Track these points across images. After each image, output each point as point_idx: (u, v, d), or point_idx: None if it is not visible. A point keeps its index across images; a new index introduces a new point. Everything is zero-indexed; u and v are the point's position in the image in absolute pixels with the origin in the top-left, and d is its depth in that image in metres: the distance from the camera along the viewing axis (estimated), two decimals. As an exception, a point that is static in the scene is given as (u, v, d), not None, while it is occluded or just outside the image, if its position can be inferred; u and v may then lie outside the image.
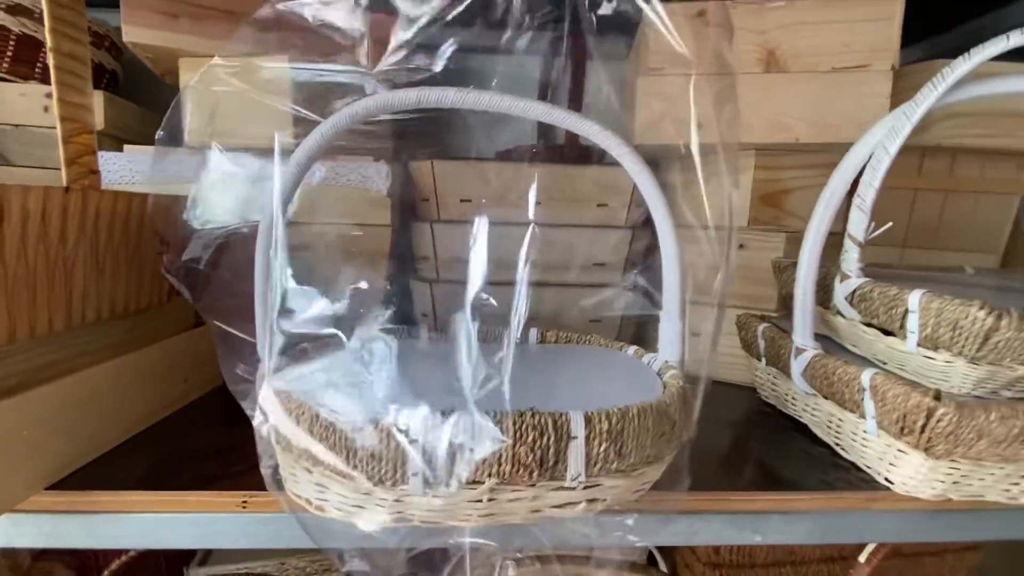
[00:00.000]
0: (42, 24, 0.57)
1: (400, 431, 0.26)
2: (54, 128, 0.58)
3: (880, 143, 0.39)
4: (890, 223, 0.40)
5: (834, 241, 0.42)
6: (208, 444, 0.42)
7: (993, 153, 0.60)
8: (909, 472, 0.36)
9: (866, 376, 0.37)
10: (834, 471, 0.41)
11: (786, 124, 0.51)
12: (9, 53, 0.56)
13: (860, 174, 0.41)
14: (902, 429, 0.35)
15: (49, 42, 0.31)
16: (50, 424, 0.34)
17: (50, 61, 0.32)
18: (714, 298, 0.38)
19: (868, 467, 0.40)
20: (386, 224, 0.57)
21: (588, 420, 0.27)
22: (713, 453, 0.43)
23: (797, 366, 0.45)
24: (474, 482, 0.27)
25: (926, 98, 0.38)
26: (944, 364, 0.35)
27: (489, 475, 0.27)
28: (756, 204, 0.57)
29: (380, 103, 0.31)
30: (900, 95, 0.51)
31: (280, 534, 0.35)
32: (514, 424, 0.26)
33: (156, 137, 0.42)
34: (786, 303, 0.55)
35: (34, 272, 0.33)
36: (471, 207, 0.59)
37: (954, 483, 0.35)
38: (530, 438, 0.26)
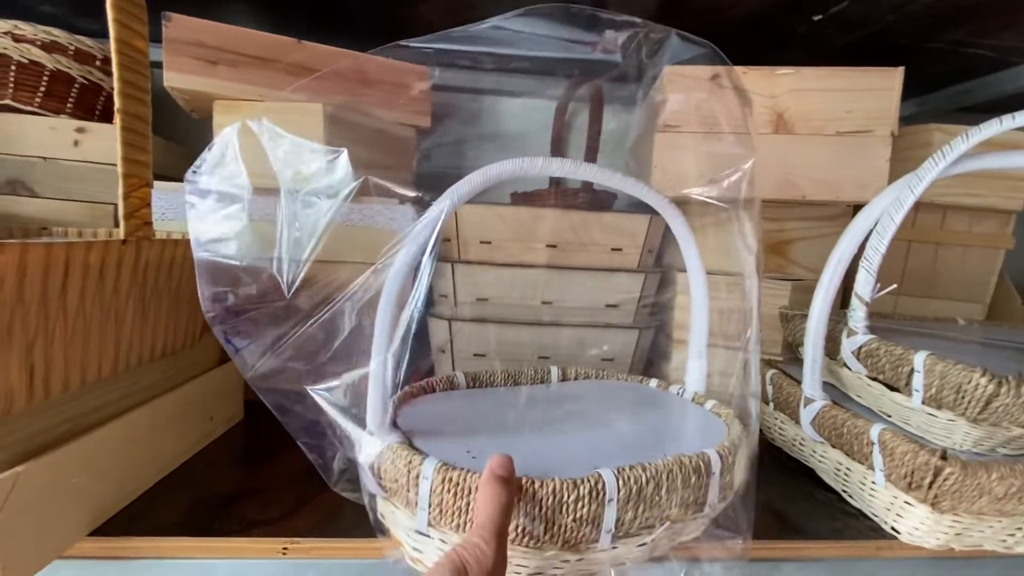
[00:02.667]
0: (76, 60, 0.59)
1: (600, 492, 0.28)
2: (83, 162, 0.60)
3: (886, 212, 0.42)
4: (894, 285, 0.43)
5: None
6: (240, 485, 0.42)
7: (980, 210, 0.64)
8: (915, 523, 0.38)
9: (875, 431, 0.40)
10: (843, 518, 0.43)
11: (794, 182, 0.55)
12: (42, 88, 0.57)
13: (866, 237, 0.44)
14: (910, 484, 0.37)
15: (118, 104, 0.33)
16: (95, 469, 0.35)
17: (117, 122, 0.33)
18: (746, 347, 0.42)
19: (875, 515, 0.42)
20: (409, 264, 0.58)
21: (721, 456, 0.33)
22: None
23: (807, 415, 0.47)
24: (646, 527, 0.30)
25: (928, 172, 0.41)
26: (947, 422, 0.38)
27: (661, 520, 0.30)
28: (763, 253, 0.60)
29: (513, 168, 0.33)
30: (895, 154, 0.55)
31: (319, 581, 0.36)
32: (677, 470, 0.30)
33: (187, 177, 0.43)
34: (791, 349, 0.58)
35: (89, 323, 0.34)
36: (491, 248, 0.61)
37: (956, 534, 0.38)
38: (692, 480, 0.31)
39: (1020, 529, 0.38)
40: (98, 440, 0.35)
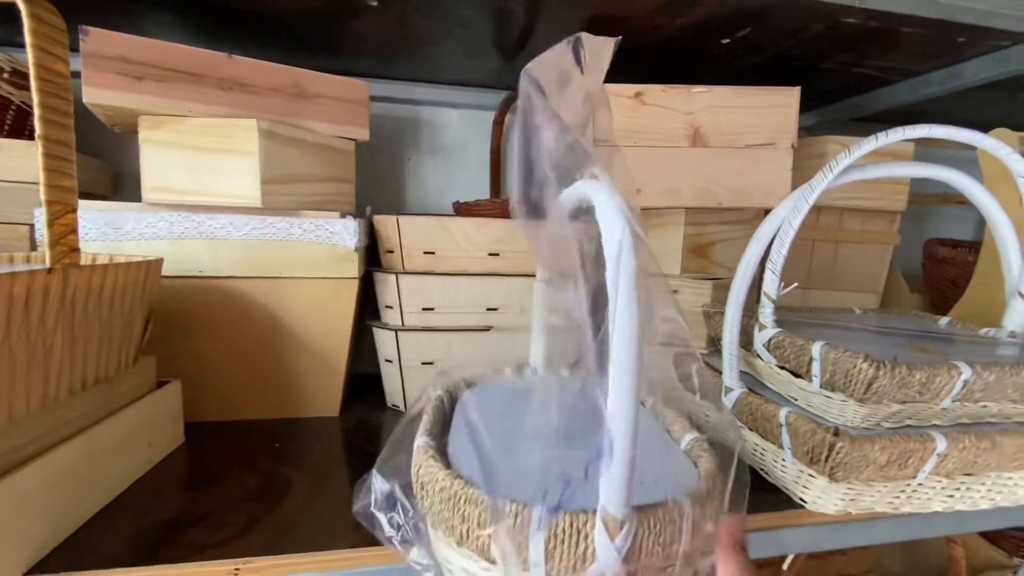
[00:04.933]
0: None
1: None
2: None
3: (786, 220, 0.47)
4: (795, 284, 0.49)
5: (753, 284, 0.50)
6: (186, 510, 0.42)
7: (871, 211, 0.72)
8: (818, 493, 0.44)
9: (782, 413, 0.45)
10: (761, 493, 0.48)
11: (711, 191, 0.60)
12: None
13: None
14: (811, 459, 0.42)
15: (39, 129, 0.32)
16: (30, 506, 0.34)
17: (39, 148, 0.32)
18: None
19: (786, 488, 0.47)
20: (353, 276, 0.59)
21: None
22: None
23: (727, 402, 0.52)
24: None
25: (819, 184, 0.47)
26: (840, 402, 0.43)
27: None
28: (687, 255, 0.65)
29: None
30: (797, 163, 0.62)
31: (273, 598, 0.36)
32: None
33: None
34: (713, 343, 0.63)
35: (15, 356, 0.33)
36: (434, 259, 0.63)
37: (852, 500, 0.43)
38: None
39: (903, 492, 0.45)
40: (30, 476, 0.34)
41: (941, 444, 0.41)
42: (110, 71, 0.49)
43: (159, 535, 0.38)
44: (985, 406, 0.44)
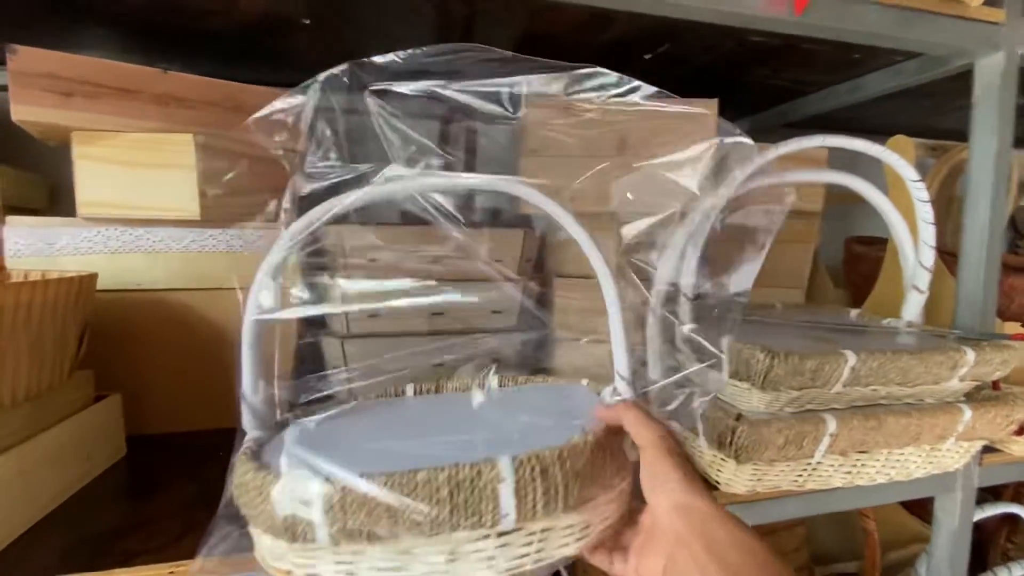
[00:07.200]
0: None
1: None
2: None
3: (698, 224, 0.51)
4: (709, 284, 0.53)
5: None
6: (123, 520, 0.43)
7: (793, 213, 0.77)
8: (728, 475, 0.48)
9: (697, 403, 0.49)
10: (682, 478, 0.52)
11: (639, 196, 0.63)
12: None
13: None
14: (720, 443, 0.46)
15: (-43, 153, 0.33)
16: (-45, 522, 0.34)
17: (-42, 170, 0.33)
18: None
19: (704, 473, 0.51)
20: (296, 286, 0.60)
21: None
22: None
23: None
24: None
25: (727, 191, 0.51)
26: (745, 390, 0.47)
27: None
28: (622, 257, 0.69)
29: (372, 194, 0.36)
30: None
31: (208, 599, 0.37)
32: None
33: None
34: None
35: (-62, 373, 0.33)
36: (378, 266, 0.64)
37: (759, 480, 0.47)
38: None
39: (805, 470, 0.49)
40: (-44, 492, 0.34)
41: (832, 425, 0.45)
42: (38, 88, 0.49)
43: (95, 545, 0.39)
44: (875, 389, 0.49)
